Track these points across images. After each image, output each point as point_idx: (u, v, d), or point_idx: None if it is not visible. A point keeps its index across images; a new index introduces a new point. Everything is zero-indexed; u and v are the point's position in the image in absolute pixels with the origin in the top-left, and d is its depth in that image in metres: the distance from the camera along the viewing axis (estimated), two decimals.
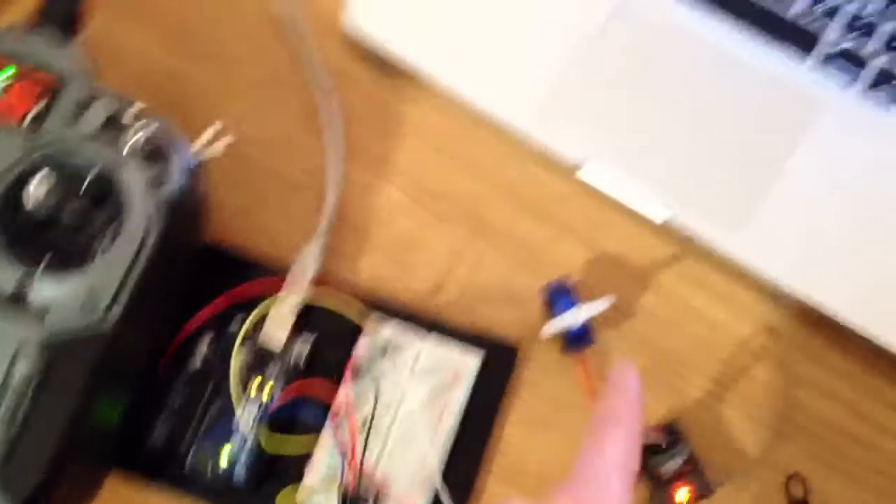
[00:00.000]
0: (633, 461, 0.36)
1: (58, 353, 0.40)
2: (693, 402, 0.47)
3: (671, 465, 0.45)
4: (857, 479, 0.46)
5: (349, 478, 0.43)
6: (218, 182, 0.50)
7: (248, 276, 0.48)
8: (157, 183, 0.43)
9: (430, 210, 0.51)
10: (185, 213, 0.44)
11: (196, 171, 0.45)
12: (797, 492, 0.46)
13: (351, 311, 0.47)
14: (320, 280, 0.48)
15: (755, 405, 0.47)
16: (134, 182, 0.42)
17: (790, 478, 0.46)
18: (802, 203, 0.48)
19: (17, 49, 0.44)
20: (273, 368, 0.47)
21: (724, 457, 0.46)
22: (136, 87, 0.51)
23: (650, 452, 0.45)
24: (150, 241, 0.42)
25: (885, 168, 0.49)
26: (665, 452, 0.45)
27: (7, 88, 0.43)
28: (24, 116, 0.43)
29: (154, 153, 0.43)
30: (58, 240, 0.42)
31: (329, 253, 0.50)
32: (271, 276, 0.48)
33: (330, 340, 0.48)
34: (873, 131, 0.49)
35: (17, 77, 0.43)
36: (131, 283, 0.41)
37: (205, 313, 0.47)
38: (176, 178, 0.43)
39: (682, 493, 0.44)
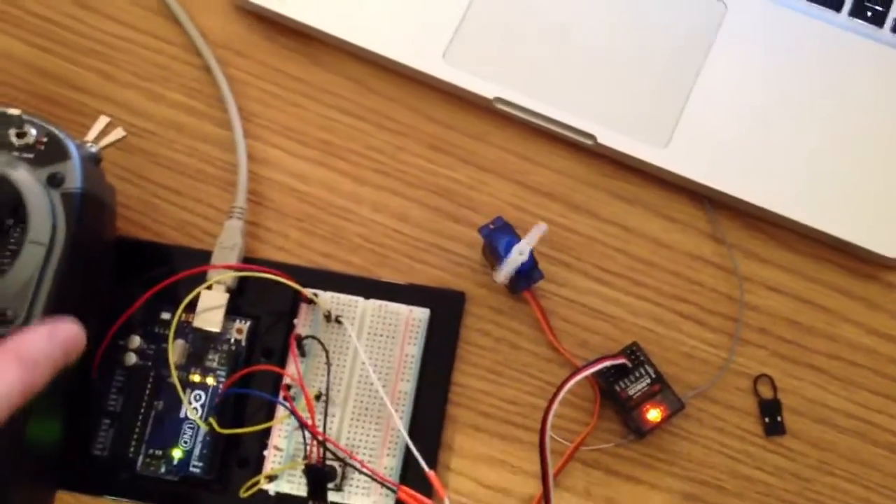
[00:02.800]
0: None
1: None
2: (650, 321, 0.46)
3: (638, 386, 0.44)
4: (819, 368, 0.46)
5: (313, 453, 0.41)
6: (119, 179, 0.48)
7: (169, 265, 0.46)
8: (55, 182, 0.40)
9: (344, 173, 0.49)
10: (91, 209, 0.42)
11: (95, 165, 0.43)
12: (766, 392, 0.46)
13: (285, 286, 0.44)
14: (247, 262, 0.46)
15: (710, 314, 0.47)
16: (30, 183, 0.40)
17: (757, 379, 0.46)
18: (723, 106, 0.47)
19: None
20: (215, 354, 0.44)
21: (689, 370, 0.46)
22: (11, 93, 0.49)
23: (616, 376, 0.44)
24: (59, 240, 0.39)
25: (789, 59, 0.48)
26: (630, 374, 0.44)
27: None
28: None
29: (46, 154, 0.41)
30: None
31: (250, 234, 0.47)
32: (193, 263, 0.45)
33: (268, 320, 0.45)
34: (775, 24, 0.49)
35: None
36: (47, 285, 0.38)
37: (131, 310, 0.44)
38: (76, 174, 0.40)
39: (654, 413, 0.43)
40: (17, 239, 0.40)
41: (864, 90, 0.48)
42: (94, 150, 0.42)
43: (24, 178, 0.39)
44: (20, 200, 0.39)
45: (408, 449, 0.43)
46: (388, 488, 0.40)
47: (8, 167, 0.40)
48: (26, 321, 0.38)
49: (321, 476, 0.40)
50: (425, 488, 0.42)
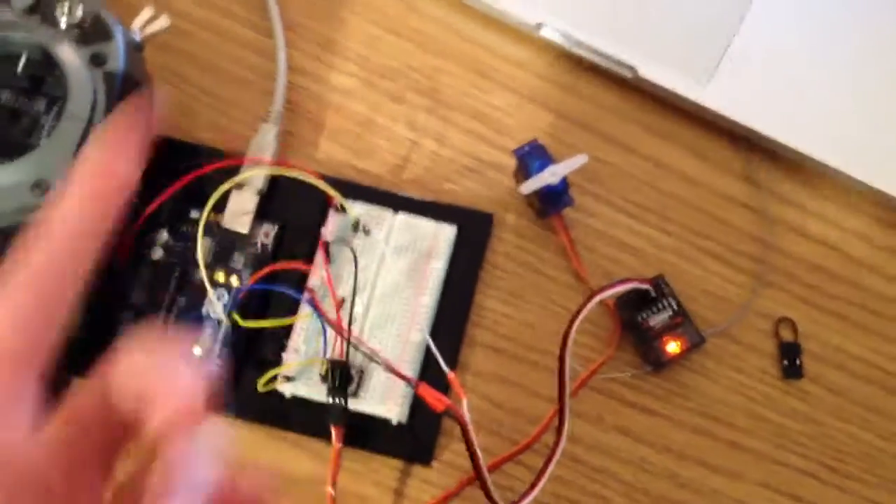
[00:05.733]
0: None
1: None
2: (676, 256, 0.46)
3: (660, 317, 0.44)
4: (841, 316, 0.46)
5: (335, 352, 0.41)
6: (158, 77, 0.48)
7: (201, 164, 0.46)
8: (98, 61, 0.41)
9: (382, 90, 0.49)
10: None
11: (138, 50, 0.43)
12: (787, 335, 0.45)
13: (315, 195, 0.44)
14: (279, 165, 0.46)
15: (737, 254, 0.46)
16: (73, 60, 0.40)
17: (778, 322, 0.46)
18: (766, 47, 0.47)
19: None
20: (240, 256, 0.45)
21: (711, 308, 0.46)
22: None
23: (639, 306, 0.44)
24: (98, 118, 0.39)
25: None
26: (653, 305, 0.44)
27: None
28: None
29: (91, 32, 0.41)
30: None
31: (283, 143, 0.47)
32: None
33: (296, 227, 0.46)
34: None
35: None
36: None
37: (163, 197, 0.44)
38: (118, 55, 0.41)
39: (673, 345, 0.43)
40: (57, 116, 0.40)
41: None
42: (137, 37, 0.43)
43: (67, 53, 0.40)
44: (60, 75, 0.40)
45: (423, 364, 0.44)
46: (408, 383, 0.40)
47: (52, 41, 0.40)
48: None
49: (346, 371, 0.40)
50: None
